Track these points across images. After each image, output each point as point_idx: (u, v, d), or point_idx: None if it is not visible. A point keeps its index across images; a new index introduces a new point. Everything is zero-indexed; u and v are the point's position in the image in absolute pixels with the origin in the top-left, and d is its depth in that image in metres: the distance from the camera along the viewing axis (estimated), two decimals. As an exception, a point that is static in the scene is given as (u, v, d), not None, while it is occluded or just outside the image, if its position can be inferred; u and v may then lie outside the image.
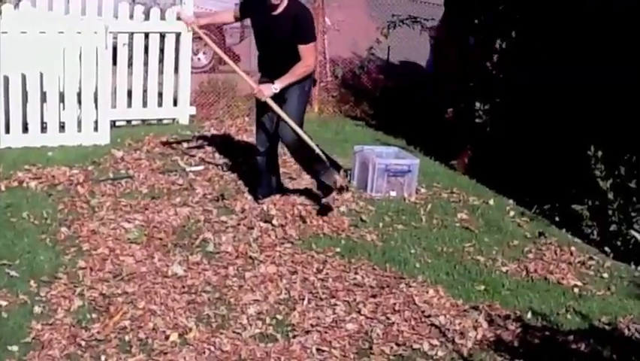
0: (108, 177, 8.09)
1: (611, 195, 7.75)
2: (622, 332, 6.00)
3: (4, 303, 5.67)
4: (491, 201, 8.32)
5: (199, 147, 9.08)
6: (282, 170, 8.33)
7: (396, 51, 13.32)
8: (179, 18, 8.77)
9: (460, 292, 6.33)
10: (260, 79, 7.47)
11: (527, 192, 8.43)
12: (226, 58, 7.77)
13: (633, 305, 6.40)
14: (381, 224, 7.50)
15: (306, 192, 7.87)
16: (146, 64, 10.04)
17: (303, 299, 6.00)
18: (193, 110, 10.37)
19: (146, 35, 9.97)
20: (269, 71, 7.33)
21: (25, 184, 7.75)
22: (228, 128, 9.76)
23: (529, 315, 6.07)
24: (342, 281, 6.33)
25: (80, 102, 9.20)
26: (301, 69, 7.15)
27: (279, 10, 7.08)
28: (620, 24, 8.40)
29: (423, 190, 8.42)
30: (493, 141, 9.59)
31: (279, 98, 7.25)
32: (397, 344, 5.57)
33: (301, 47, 7.09)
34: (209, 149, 9.02)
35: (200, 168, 8.47)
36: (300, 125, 7.29)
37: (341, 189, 7.50)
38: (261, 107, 7.44)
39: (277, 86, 7.15)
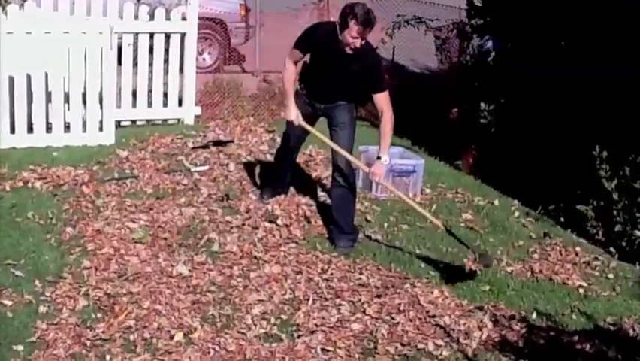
0: (113, 177, 8.09)
1: (616, 196, 7.75)
2: (627, 332, 6.00)
3: (9, 303, 5.68)
4: (496, 202, 8.31)
5: (204, 147, 9.08)
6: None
7: (402, 51, 13.31)
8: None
9: (464, 293, 6.33)
10: (301, 93, 7.10)
11: (532, 192, 8.43)
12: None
13: (638, 306, 6.41)
14: (386, 224, 7.50)
15: (310, 193, 7.87)
16: (151, 64, 10.03)
17: (308, 299, 6.01)
18: (198, 111, 10.37)
19: (151, 35, 9.97)
20: (316, 94, 7.00)
21: (30, 184, 7.75)
22: (233, 128, 9.75)
23: (534, 315, 6.08)
24: (346, 281, 6.33)
25: (84, 102, 9.19)
26: (389, 125, 6.75)
27: (355, 45, 6.57)
28: (624, 24, 8.40)
29: (428, 190, 8.42)
30: (498, 141, 9.60)
31: (332, 121, 7.04)
32: (402, 344, 5.58)
33: (378, 97, 6.75)
34: (214, 149, 9.02)
35: (205, 168, 8.47)
36: (350, 152, 7.04)
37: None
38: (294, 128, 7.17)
39: (385, 157, 6.81)
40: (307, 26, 7.26)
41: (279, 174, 7.72)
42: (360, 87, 6.92)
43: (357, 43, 6.51)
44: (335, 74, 6.78)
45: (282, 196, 7.66)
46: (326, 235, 7.11)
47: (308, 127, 7.10)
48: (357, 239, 7.06)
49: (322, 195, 7.89)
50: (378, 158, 6.82)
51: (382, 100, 6.76)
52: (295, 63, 7.02)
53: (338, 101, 6.96)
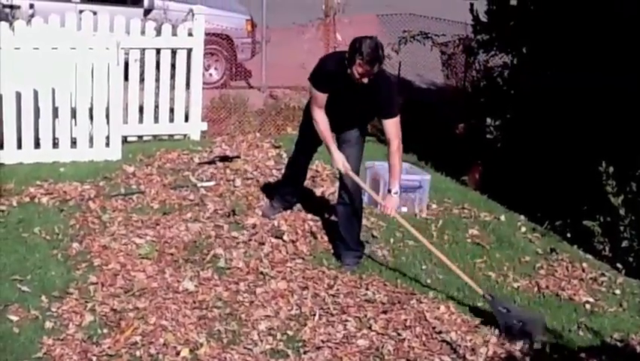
0: (119, 192, 8.10)
1: (622, 212, 7.75)
2: (634, 348, 5.99)
3: (15, 318, 5.69)
4: (502, 217, 8.30)
5: (210, 163, 9.09)
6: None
7: (408, 66, 13.34)
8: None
9: (470, 309, 6.31)
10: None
11: (539, 208, 8.43)
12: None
13: (645, 322, 6.39)
14: (392, 240, 7.49)
15: (317, 208, 7.87)
16: (157, 80, 10.05)
17: (314, 315, 6.01)
18: (204, 126, 10.38)
19: (158, 51, 9.99)
20: (331, 123, 6.78)
21: (36, 199, 7.76)
22: (239, 143, 9.76)
23: (540, 331, 6.06)
24: (353, 297, 6.33)
25: (91, 118, 9.21)
26: (398, 155, 6.62)
27: (362, 82, 6.42)
28: (631, 36, 8.41)
29: (434, 206, 8.41)
30: (504, 156, 9.59)
31: (340, 138, 6.90)
32: (408, 360, 5.56)
33: (389, 123, 6.59)
34: (220, 164, 9.03)
35: (212, 183, 8.47)
36: (357, 172, 6.95)
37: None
38: (307, 142, 7.15)
39: (396, 189, 6.66)
40: (315, 66, 6.92)
41: (290, 186, 7.68)
42: (372, 115, 6.84)
43: (365, 80, 6.36)
44: (346, 106, 6.63)
45: (288, 212, 7.66)
46: (332, 251, 7.10)
47: (356, 178, 6.82)
48: (362, 255, 7.04)
49: (328, 211, 7.89)
50: (389, 191, 6.70)
51: (392, 126, 6.60)
52: (322, 108, 6.72)
53: (347, 130, 6.82)
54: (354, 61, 6.30)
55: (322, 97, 6.67)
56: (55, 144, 9.13)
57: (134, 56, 9.89)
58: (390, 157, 6.63)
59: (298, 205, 7.86)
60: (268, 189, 8.12)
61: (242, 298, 6.19)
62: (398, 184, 6.65)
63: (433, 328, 5.94)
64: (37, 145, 9.06)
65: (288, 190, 7.68)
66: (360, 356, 5.58)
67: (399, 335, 5.83)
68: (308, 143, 7.18)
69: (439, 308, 6.22)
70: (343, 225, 6.98)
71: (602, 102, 8.39)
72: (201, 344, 5.52)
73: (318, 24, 12.07)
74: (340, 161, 6.72)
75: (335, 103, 6.65)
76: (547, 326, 6.14)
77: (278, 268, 6.70)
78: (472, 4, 10.72)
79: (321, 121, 6.73)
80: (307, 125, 7.00)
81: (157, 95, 10.10)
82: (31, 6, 12.40)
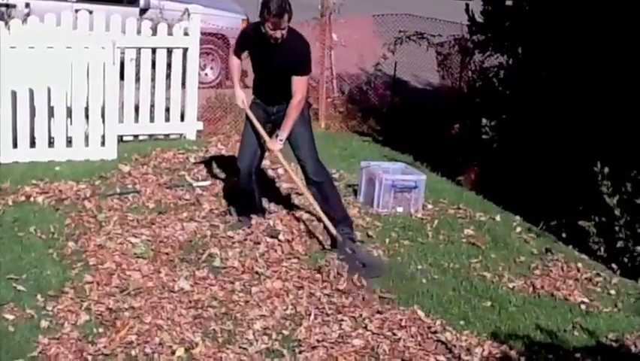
0: (115, 191, 8.10)
1: (617, 212, 7.75)
2: (629, 348, 5.99)
3: (11, 317, 5.68)
4: (498, 218, 8.31)
5: (206, 163, 9.10)
6: (287, 185, 8.35)
7: (403, 67, 13.35)
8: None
9: (466, 309, 6.32)
10: (254, 100, 7.37)
11: (534, 208, 8.43)
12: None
13: (640, 322, 6.40)
14: (387, 240, 7.50)
15: (312, 208, 7.87)
16: (153, 79, 10.06)
17: (310, 315, 6.01)
18: (200, 126, 10.39)
19: (154, 50, 10.00)
20: (263, 96, 7.30)
21: (32, 199, 7.76)
22: (235, 143, 9.76)
23: (535, 332, 6.07)
24: (348, 297, 6.33)
25: (87, 117, 9.22)
26: (295, 108, 7.06)
27: (276, 37, 6.90)
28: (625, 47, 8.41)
29: (429, 206, 8.42)
30: (500, 157, 9.60)
31: (289, 139, 7.19)
32: (404, 360, 5.57)
33: (296, 79, 7.02)
34: (215, 164, 9.03)
35: (207, 183, 8.48)
36: (315, 152, 7.31)
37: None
38: (250, 135, 7.36)
39: (282, 137, 7.12)
40: None
41: (244, 201, 7.62)
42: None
43: (278, 34, 6.84)
44: (269, 69, 7.12)
45: (284, 212, 7.68)
46: (329, 253, 7.10)
47: (251, 114, 7.30)
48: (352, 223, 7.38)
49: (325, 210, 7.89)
50: (277, 136, 7.20)
51: (299, 83, 7.05)
52: (238, 57, 7.52)
53: (283, 101, 7.13)
54: (265, 18, 6.80)
55: (238, 52, 7.49)
56: (50, 143, 9.14)
57: (129, 55, 9.90)
58: (289, 108, 7.07)
59: (294, 205, 7.86)
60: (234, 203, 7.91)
61: (237, 298, 6.19)
62: (285, 134, 7.10)
63: (429, 328, 5.95)
64: (32, 144, 9.06)
65: (245, 203, 7.61)
66: (356, 355, 5.58)
67: (394, 334, 5.83)
68: (248, 150, 7.37)
69: (434, 308, 6.23)
70: (324, 202, 7.24)
71: (597, 102, 8.39)
72: (197, 344, 5.52)
73: (314, 24, 12.07)
74: (240, 98, 7.41)
75: (260, 69, 7.24)
76: (384, 271, 6.83)
77: (273, 267, 6.70)
78: (467, 5, 10.71)
79: (233, 61, 7.58)
80: (243, 141, 7.44)
81: (153, 94, 10.11)
82: (27, 5, 12.37)
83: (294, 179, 7.51)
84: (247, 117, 7.39)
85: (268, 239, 7.18)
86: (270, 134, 7.33)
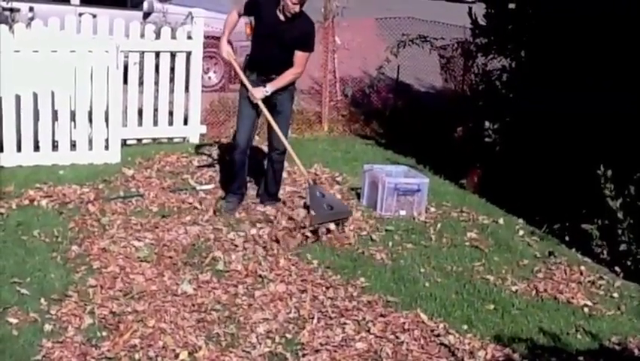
0: (119, 195, 8.12)
1: (620, 215, 7.74)
2: (632, 352, 5.99)
3: (14, 321, 5.69)
4: (501, 221, 8.32)
5: (209, 166, 9.11)
6: (292, 188, 8.37)
7: (406, 70, 13.36)
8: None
9: (469, 312, 6.32)
10: (248, 75, 7.74)
11: (537, 211, 8.44)
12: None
13: (644, 325, 6.40)
14: (390, 243, 7.50)
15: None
16: (156, 83, 10.08)
17: (313, 318, 6.01)
18: (203, 129, 10.41)
19: (157, 54, 10.02)
20: (259, 66, 7.68)
21: (36, 202, 7.78)
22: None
23: (538, 335, 6.07)
24: (351, 300, 6.34)
25: (91, 121, 9.24)
26: (291, 76, 7.61)
27: (294, 11, 7.36)
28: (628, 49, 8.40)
29: (432, 209, 8.43)
30: (503, 160, 9.59)
31: (271, 105, 7.69)
32: (407, 364, 5.58)
33: (299, 54, 7.54)
34: (218, 167, 9.05)
35: (211, 186, 8.49)
36: (286, 134, 7.87)
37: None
38: (247, 107, 7.75)
39: (269, 88, 7.58)
40: None
41: (237, 176, 7.98)
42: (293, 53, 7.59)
43: (297, 8, 7.30)
44: (274, 42, 7.48)
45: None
46: (331, 256, 7.11)
47: (235, 64, 7.75)
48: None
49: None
50: (264, 86, 7.58)
51: (302, 58, 7.57)
52: (239, 15, 7.83)
53: (275, 75, 7.56)
54: None
55: (241, 11, 7.76)
56: (54, 147, 9.15)
57: (133, 59, 9.92)
58: (286, 71, 7.58)
59: (298, 207, 7.87)
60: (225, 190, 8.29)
61: (240, 301, 6.20)
62: (272, 88, 7.57)
63: (432, 331, 5.95)
64: (36, 148, 9.08)
65: (236, 185, 7.97)
66: (359, 359, 5.58)
67: (397, 338, 5.84)
68: (246, 124, 7.81)
69: (437, 311, 6.23)
70: (274, 176, 8.01)
71: (600, 105, 8.38)
72: (200, 347, 5.53)
73: (317, 27, 12.08)
74: (225, 51, 7.68)
75: (268, 40, 7.54)
76: (351, 213, 7.73)
77: (276, 271, 6.71)
78: (470, 8, 10.72)
79: (231, 16, 7.86)
80: (241, 115, 7.83)
81: (156, 98, 10.13)
82: (31, 9, 12.41)
83: (276, 129, 7.76)
84: (240, 94, 7.82)
85: (271, 242, 7.18)
86: (257, 111, 7.73)
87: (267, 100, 7.67)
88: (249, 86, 7.63)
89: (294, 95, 8.09)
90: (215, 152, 9.69)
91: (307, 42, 7.61)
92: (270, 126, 7.84)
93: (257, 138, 8.63)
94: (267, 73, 7.65)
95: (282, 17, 7.44)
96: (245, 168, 7.97)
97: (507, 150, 9.62)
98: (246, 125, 7.81)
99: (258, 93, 7.59)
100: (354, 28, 12.90)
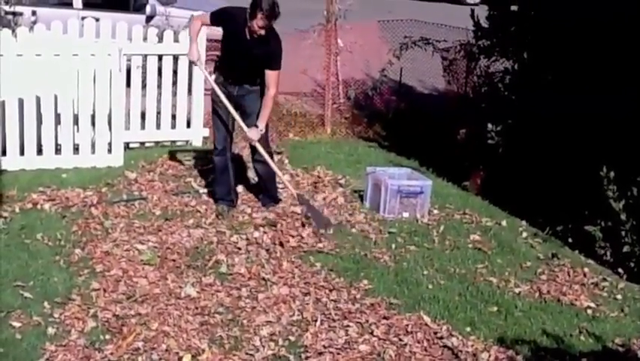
0: (122, 198, 8.12)
1: (623, 216, 7.74)
2: (636, 353, 5.99)
3: (18, 324, 5.70)
4: (504, 223, 8.31)
5: (211, 169, 9.10)
6: (295, 191, 8.36)
7: (409, 72, 13.37)
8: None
9: (472, 314, 6.32)
10: (217, 80, 7.87)
11: (540, 213, 8.43)
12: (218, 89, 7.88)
13: (647, 327, 6.39)
14: (393, 245, 7.50)
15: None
16: (159, 86, 10.08)
17: (316, 321, 6.01)
18: (206, 132, 10.39)
19: (160, 57, 10.02)
20: (229, 75, 7.78)
21: (39, 206, 7.78)
22: (241, 149, 9.78)
23: (542, 337, 6.06)
24: (354, 303, 6.33)
25: (93, 124, 9.24)
26: (270, 100, 7.67)
27: (260, 33, 7.43)
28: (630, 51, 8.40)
29: (435, 211, 8.42)
30: (506, 162, 9.59)
31: (242, 110, 7.80)
32: (410, 366, 5.58)
33: (269, 73, 7.58)
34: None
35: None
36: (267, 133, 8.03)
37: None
38: (219, 111, 7.88)
39: (261, 126, 7.69)
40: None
41: (222, 181, 8.05)
42: (262, 68, 7.63)
43: (263, 32, 7.38)
44: (241, 56, 7.57)
45: (291, 218, 7.71)
46: (334, 259, 7.11)
47: (203, 69, 8.05)
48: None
49: (331, 216, 7.91)
50: (256, 126, 7.68)
51: (272, 77, 7.59)
52: (202, 24, 7.96)
53: (246, 84, 7.72)
54: (256, 15, 7.30)
55: (207, 20, 7.85)
56: (57, 151, 9.16)
57: (136, 62, 9.92)
58: (265, 99, 7.66)
59: (300, 211, 7.88)
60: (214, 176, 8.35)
61: (244, 304, 6.20)
62: (263, 124, 7.72)
63: (435, 333, 5.95)
64: (39, 151, 9.08)
65: (224, 190, 8.04)
66: (362, 361, 5.59)
67: (400, 340, 5.83)
68: (222, 130, 7.95)
69: (440, 313, 6.23)
70: (267, 177, 8.09)
71: (603, 107, 8.38)
72: (203, 350, 5.53)
73: (320, 30, 12.11)
74: (195, 56, 7.87)
75: (233, 54, 7.66)
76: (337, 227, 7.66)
77: (280, 273, 6.71)
78: (472, 10, 10.73)
79: (195, 23, 7.97)
80: (215, 120, 7.99)
81: (159, 101, 10.13)
82: (34, 13, 12.44)
83: (271, 165, 7.95)
84: (213, 101, 7.93)
85: (274, 245, 7.19)
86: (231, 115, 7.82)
87: (237, 106, 7.78)
88: (245, 127, 7.72)
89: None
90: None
91: (275, 61, 7.61)
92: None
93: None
94: (236, 82, 7.75)
95: (248, 36, 7.49)
96: (229, 172, 8.01)
97: (510, 152, 9.63)
98: (221, 129, 7.93)
99: (254, 135, 7.69)
100: (357, 30, 12.90)
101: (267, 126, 7.90)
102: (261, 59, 7.54)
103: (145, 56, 9.98)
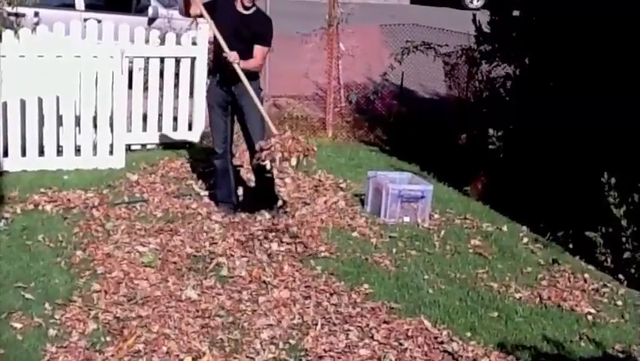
0: (123, 200, 8.13)
1: (624, 222, 7.73)
2: (636, 359, 5.99)
3: (19, 326, 5.70)
4: (505, 228, 8.32)
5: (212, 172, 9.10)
6: (296, 194, 8.37)
7: (411, 77, 13.36)
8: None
9: (472, 319, 6.32)
10: (212, 81, 8.03)
11: (541, 218, 8.43)
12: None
13: (647, 333, 6.39)
14: (394, 250, 7.51)
15: (320, 218, 7.90)
16: (161, 88, 10.10)
17: (317, 324, 6.02)
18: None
19: (162, 60, 10.03)
20: (223, 71, 7.73)
21: (40, 207, 7.79)
22: (242, 152, 9.78)
23: (542, 342, 6.07)
24: (355, 306, 6.34)
25: (95, 126, 9.26)
26: (253, 63, 7.72)
27: (249, 12, 7.70)
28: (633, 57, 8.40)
29: (436, 216, 8.43)
30: (507, 167, 9.59)
31: (238, 109, 7.86)
32: (410, 370, 5.58)
33: (257, 47, 7.74)
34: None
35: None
36: (264, 133, 7.86)
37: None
38: (217, 114, 7.95)
39: (242, 64, 7.56)
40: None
41: (222, 184, 8.07)
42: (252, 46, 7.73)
43: (249, 3, 7.63)
44: (235, 37, 7.58)
45: (291, 220, 7.71)
46: (335, 263, 7.12)
47: (204, 12, 7.67)
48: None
49: (332, 220, 7.92)
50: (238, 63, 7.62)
51: (260, 51, 7.79)
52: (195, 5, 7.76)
53: (240, 81, 7.58)
54: None
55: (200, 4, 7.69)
56: (59, 152, 9.17)
57: (138, 64, 9.93)
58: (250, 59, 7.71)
59: (301, 214, 7.88)
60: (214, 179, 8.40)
61: (244, 307, 6.20)
62: (242, 65, 7.54)
63: (435, 338, 5.95)
64: (41, 153, 9.09)
65: (225, 193, 8.06)
66: (362, 365, 5.59)
67: (401, 344, 5.84)
68: (220, 132, 8.00)
69: (441, 318, 6.24)
70: (266, 182, 7.99)
71: (604, 113, 8.38)
72: (204, 353, 5.53)
73: (322, 33, 12.10)
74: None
75: (227, 40, 7.55)
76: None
77: (280, 277, 6.72)
78: (474, 15, 10.72)
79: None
80: (213, 123, 8.07)
81: (161, 103, 10.14)
82: (36, 14, 12.44)
83: (260, 109, 7.77)
84: (209, 105, 8.05)
85: (275, 248, 7.19)
86: (231, 116, 7.96)
87: (235, 106, 7.84)
88: (226, 49, 7.57)
89: (260, 95, 8.04)
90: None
91: (265, 35, 7.81)
92: (244, 133, 8.00)
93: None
94: (231, 79, 7.66)
95: (241, 9, 7.68)
96: (229, 174, 8.04)
97: (511, 157, 9.61)
98: (219, 131, 7.96)
99: (233, 57, 7.57)
100: (359, 34, 12.88)
101: (259, 114, 7.76)
102: (252, 37, 7.69)
103: (147, 58, 9.99)
